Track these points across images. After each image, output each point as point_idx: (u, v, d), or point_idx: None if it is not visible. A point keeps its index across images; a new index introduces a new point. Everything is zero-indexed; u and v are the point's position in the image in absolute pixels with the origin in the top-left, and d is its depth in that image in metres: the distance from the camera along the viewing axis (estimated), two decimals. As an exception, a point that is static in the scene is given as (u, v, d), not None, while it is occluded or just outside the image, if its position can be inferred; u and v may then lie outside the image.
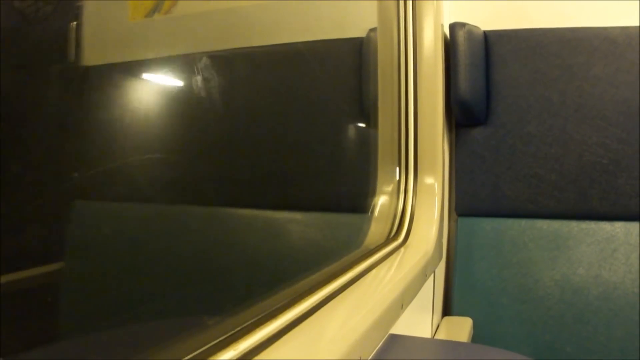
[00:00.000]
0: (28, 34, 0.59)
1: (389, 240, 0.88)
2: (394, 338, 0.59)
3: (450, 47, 1.05)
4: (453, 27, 1.05)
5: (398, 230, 0.92)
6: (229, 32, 1.05)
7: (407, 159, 0.98)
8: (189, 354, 0.36)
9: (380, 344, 0.56)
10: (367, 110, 1.06)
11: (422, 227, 0.93)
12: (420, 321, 0.89)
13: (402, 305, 0.63)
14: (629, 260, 1.00)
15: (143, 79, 0.81)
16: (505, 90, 1.08)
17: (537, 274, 1.04)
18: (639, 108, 1.01)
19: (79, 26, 0.71)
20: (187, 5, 1.06)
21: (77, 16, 0.71)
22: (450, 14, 1.10)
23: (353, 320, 0.50)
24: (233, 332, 0.40)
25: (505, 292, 1.05)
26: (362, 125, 1.13)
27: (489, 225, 1.09)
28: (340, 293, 0.57)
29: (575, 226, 1.04)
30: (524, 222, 1.07)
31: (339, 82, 1.12)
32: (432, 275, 0.96)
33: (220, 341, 0.38)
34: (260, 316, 0.43)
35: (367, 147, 1.02)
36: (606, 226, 1.02)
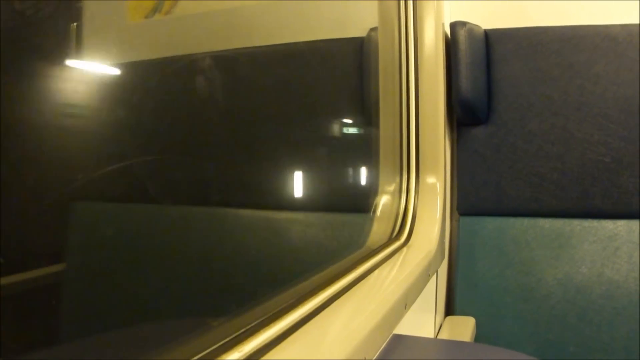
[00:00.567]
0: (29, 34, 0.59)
1: (391, 240, 0.88)
2: (397, 338, 0.59)
3: (451, 46, 1.05)
4: (454, 26, 1.05)
5: (400, 230, 0.92)
6: (229, 32, 1.05)
7: (408, 159, 0.98)
8: (193, 356, 0.36)
9: (384, 344, 0.55)
10: (368, 109, 1.05)
11: (424, 227, 0.92)
12: (423, 321, 0.89)
13: (406, 305, 0.63)
14: (632, 258, 0.99)
15: (143, 79, 0.80)
16: (507, 88, 1.08)
17: (539, 272, 1.04)
18: (641, 106, 1.00)
19: (79, 26, 0.71)
20: (187, 5, 1.05)
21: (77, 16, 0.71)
22: (451, 13, 1.10)
23: (357, 321, 0.50)
24: (238, 333, 0.39)
25: (507, 291, 1.05)
26: (363, 124, 1.13)
27: (491, 224, 1.09)
28: (344, 294, 0.56)
29: (577, 224, 1.04)
30: (526, 221, 1.07)
31: (340, 82, 1.12)
32: (435, 274, 0.95)
33: (225, 342, 0.38)
34: (264, 317, 0.43)
35: (368, 147, 1.02)
36: (609, 224, 1.02)
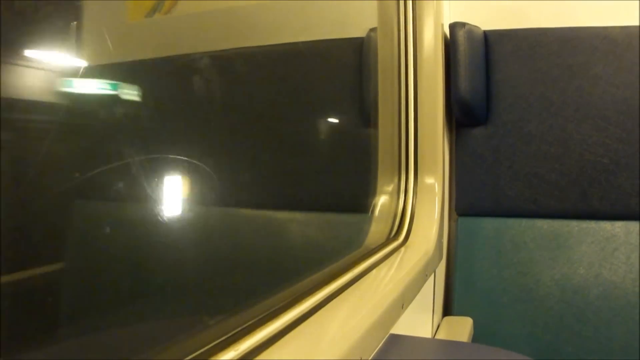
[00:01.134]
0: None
1: (389, 240, 0.88)
2: (394, 338, 0.59)
3: (450, 46, 1.05)
4: (453, 26, 1.05)
5: (398, 230, 0.92)
6: (229, 32, 1.05)
7: (407, 159, 0.98)
8: (189, 355, 0.36)
9: (381, 344, 0.56)
10: (367, 110, 1.06)
11: (422, 227, 0.93)
12: (420, 321, 0.89)
13: (403, 305, 0.63)
14: (630, 259, 1.00)
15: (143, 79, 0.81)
16: (506, 90, 1.08)
17: (537, 273, 1.04)
18: (639, 107, 1.00)
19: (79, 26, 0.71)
20: (187, 5, 1.06)
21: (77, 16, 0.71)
22: (451, 14, 1.10)
23: (354, 321, 0.50)
24: (234, 332, 0.40)
25: (505, 291, 1.05)
26: (362, 124, 1.13)
27: (489, 225, 1.09)
28: (340, 293, 0.57)
29: (575, 226, 1.04)
30: (524, 222, 1.07)
31: (339, 82, 1.12)
32: (433, 275, 0.96)
33: (220, 341, 0.38)
34: (260, 316, 0.43)
35: (367, 147, 1.02)
36: (606, 226, 1.02)
